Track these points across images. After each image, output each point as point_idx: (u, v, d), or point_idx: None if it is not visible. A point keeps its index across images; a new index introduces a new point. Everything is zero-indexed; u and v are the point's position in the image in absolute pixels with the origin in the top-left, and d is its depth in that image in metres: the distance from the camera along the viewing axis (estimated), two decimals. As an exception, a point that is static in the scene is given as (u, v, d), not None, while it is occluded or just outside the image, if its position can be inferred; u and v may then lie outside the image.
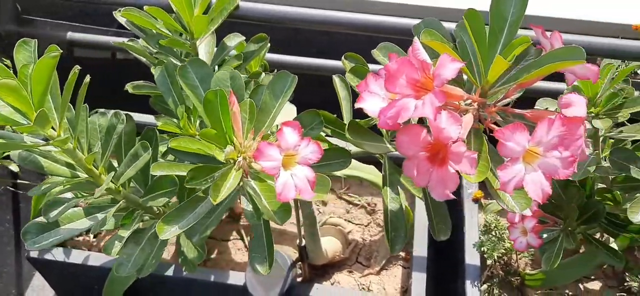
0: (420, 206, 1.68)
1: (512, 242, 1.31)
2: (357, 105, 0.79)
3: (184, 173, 0.78)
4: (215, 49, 1.14)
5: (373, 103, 0.80)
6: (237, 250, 1.69)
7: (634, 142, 1.23)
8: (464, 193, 1.71)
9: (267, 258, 0.94)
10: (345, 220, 1.76)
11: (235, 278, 1.52)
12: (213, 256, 1.67)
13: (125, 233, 0.95)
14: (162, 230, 0.78)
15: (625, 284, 1.58)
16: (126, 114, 0.95)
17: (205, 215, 0.89)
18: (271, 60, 1.69)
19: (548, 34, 0.84)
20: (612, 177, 1.20)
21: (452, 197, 0.75)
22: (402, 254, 1.70)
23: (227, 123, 0.77)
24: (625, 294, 1.60)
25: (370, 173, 1.43)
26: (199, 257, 1.09)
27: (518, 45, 0.76)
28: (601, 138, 1.23)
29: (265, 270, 0.94)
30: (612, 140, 1.23)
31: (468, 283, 1.53)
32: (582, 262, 1.52)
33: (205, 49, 1.16)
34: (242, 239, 1.71)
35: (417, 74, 0.75)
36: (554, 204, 1.32)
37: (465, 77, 0.86)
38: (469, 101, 0.81)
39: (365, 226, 1.77)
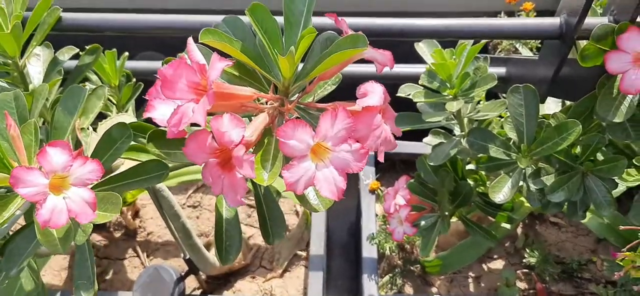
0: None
1: (391, 233, 1.28)
2: (145, 115, 0.75)
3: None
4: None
5: (164, 111, 0.75)
6: (134, 268, 1.63)
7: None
8: (361, 184, 1.68)
9: (93, 283, 0.89)
10: (245, 224, 1.71)
11: (123, 298, 1.46)
12: (108, 277, 1.61)
13: None
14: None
15: (524, 260, 1.58)
16: None
17: (21, 246, 0.84)
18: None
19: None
20: (475, 157, 1.17)
21: (244, 203, 0.71)
22: (304, 254, 1.67)
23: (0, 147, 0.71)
24: (526, 270, 1.60)
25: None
26: (35, 289, 1.03)
27: (306, 36, 0.72)
28: (466, 120, 1.21)
29: (92, 294, 0.89)
30: (474, 122, 1.20)
31: (365, 276, 1.50)
32: (474, 245, 1.51)
33: (40, 67, 1.10)
34: (138, 256, 1.65)
35: (196, 77, 0.71)
36: (431, 190, 1.30)
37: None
38: (264, 100, 0.77)
39: (267, 229, 1.73)
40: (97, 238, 1.68)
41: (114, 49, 1.27)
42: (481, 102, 1.22)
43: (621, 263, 1.10)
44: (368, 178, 1.69)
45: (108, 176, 0.85)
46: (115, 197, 0.75)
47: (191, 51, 0.71)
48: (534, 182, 1.11)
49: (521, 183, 1.13)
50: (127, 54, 1.30)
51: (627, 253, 1.07)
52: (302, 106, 0.78)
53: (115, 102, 1.37)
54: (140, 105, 1.47)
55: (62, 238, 0.72)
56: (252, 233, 1.71)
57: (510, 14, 1.64)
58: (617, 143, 1.18)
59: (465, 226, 1.27)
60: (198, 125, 0.77)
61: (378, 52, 0.76)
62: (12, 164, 0.74)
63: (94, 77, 1.38)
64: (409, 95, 1.18)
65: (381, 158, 0.76)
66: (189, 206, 1.76)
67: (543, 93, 1.10)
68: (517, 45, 1.54)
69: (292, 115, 0.77)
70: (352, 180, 1.75)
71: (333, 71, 0.79)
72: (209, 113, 0.71)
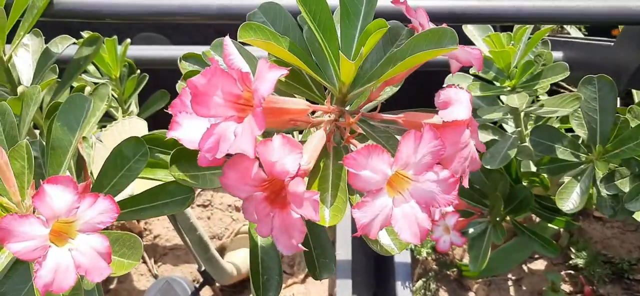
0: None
1: (435, 242, 1.14)
2: (169, 135, 0.59)
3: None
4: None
5: (193, 128, 0.59)
6: (141, 275, 1.49)
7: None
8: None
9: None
10: (262, 225, 1.56)
11: (132, 314, 1.32)
12: (112, 286, 1.46)
13: None
14: None
15: (571, 261, 1.45)
16: None
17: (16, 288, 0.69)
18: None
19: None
20: (537, 158, 1.02)
21: (303, 248, 0.56)
22: (327, 256, 1.52)
23: (-18, 183, 0.55)
24: (571, 271, 1.47)
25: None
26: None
27: (374, 31, 0.56)
28: (523, 114, 1.05)
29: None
30: (533, 117, 1.05)
31: (398, 284, 1.36)
32: (519, 248, 1.37)
33: (29, 59, 0.93)
34: (145, 263, 1.50)
35: (236, 88, 0.55)
36: (480, 191, 1.15)
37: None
38: (319, 113, 0.61)
39: (286, 229, 1.59)
40: (98, 243, 1.53)
41: (115, 37, 1.10)
42: (541, 96, 1.06)
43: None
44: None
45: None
46: (134, 239, 0.59)
47: (229, 55, 0.54)
48: (607, 187, 0.97)
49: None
50: (129, 40, 1.13)
51: None
52: (366, 119, 0.62)
53: (116, 96, 1.20)
54: (144, 99, 1.30)
55: (67, 297, 0.57)
56: (269, 234, 1.57)
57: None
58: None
59: (519, 233, 1.14)
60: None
61: (464, 50, 0.60)
62: (0, 201, 0.58)
63: (91, 68, 1.21)
64: (456, 85, 1.02)
65: (466, 184, 0.61)
66: (198, 205, 1.61)
67: (623, 85, 0.95)
68: (564, 26, 1.37)
69: (355, 131, 0.61)
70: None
71: (404, 74, 0.63)
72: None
